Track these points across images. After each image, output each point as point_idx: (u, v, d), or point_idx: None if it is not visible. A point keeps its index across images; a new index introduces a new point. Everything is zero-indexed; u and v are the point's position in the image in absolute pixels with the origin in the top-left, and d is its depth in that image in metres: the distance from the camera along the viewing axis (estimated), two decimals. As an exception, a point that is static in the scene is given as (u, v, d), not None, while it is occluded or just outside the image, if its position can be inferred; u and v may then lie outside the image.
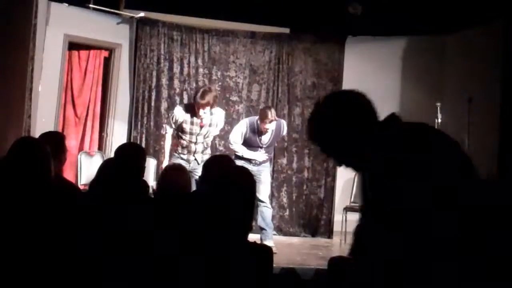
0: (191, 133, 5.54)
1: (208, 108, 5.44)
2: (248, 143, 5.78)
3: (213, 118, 5.60)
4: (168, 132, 5.72)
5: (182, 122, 5.49)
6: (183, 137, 5.56)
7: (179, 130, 5.58)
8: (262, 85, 7.48)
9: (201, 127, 5.54)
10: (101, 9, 6.95)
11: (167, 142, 5.75)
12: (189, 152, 5.57)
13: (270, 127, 5.72)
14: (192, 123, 5.50)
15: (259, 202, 5.74)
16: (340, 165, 2.05)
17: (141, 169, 3.52)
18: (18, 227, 2.53)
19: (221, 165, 3.05)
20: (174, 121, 5.58)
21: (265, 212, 5.80)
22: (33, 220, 2.57)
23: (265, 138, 5.80)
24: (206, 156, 5.62)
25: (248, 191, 2.47)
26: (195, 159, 5.58)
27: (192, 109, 5.50)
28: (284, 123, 6.11)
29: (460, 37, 6.80)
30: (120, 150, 3.51)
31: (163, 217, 2.78)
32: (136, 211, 2.79)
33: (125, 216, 2.72)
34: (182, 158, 5.55)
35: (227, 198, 2.41)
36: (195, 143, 5.57)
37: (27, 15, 5.50)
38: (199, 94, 5.41)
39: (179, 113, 5.54)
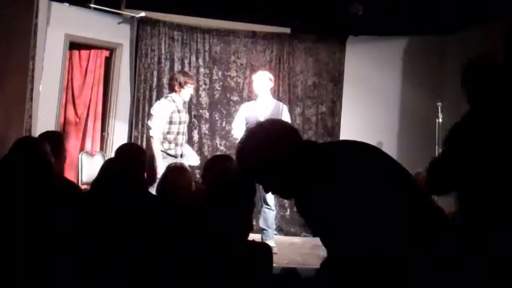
0: (180, 122, 5.49)
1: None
2: (248, 123, 5.33)
3: None
4: (156, 135, 5.37)
5: (172, 113, 5.44)
6: (172, 130, 5.44)
7: (168, 123, 5.42)
8: (263, 85, 7.48)
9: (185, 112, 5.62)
10: (102, 9, 6.96)
11: (157, 147, 5.34)
12: (176, 145, 5.47)
13: (259, 82, 5.64)
14: (179, 111, 5.49)
15: (263, 204, 5.70)
16: (267, 192, 2.20)
17: (142, 169, 3.51)
18: (18, 226, 2.53)
19: (221, 165, 3.05)
20: (163, 116, 5.40)
21: (268, 214, 5.70)
22: (33, 219, 2.58)
23: (262, 114, 5.49)
24: (185, 149, 5.65)
25: (248, 191, 2.48)
26: (182, 153, 5.53)
27: (175, 98, 5.53)
28: (284, 107, 5.79)
29: (460, 37, 6.80)
30: (121, 150, 3.51)
31: (164, 217, 2.78)
32: (136, 211, 2.79)
33: (125, 215, 2.73)
34: (170, 155, 5.40)
35: (227, 198, 2.42)
36: (182, 133, 5.54)
37: (28, 14, 5.50)
38: (186, 74, 5.74)
39: (168, 105, 5.47)
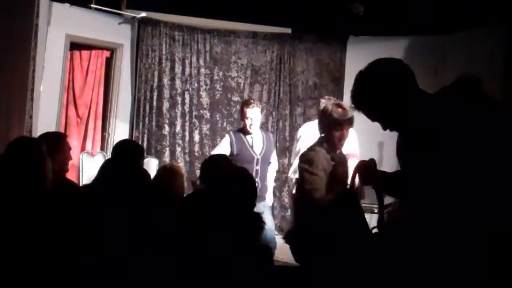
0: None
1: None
2: (241, 159, 4.63)
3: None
4: None
5: None
6: None
7: None
8: (264, 85, 7.49)
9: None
10: (103, 9, 6.97)
11: None
12: None
13: (254, 115, 4.71)
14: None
15: None
16: (385, 129, 2.21)
17: (139, 165, 3.49)
18: (17, 226, 2.53)
19: (219, 165, 3.05)
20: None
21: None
22: (33, 220, 2.58)
23: (257, 147, 4.74)
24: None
25: (247, 190, 2.48)
26: None
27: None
28: (271, 135, 5.33)
29: (461, 37, 6.79)
30: (117, 147, 3.51)
31: (164, 216, 2.79)
32: (136, 211, 2.79)
33: (125, 216, 2.73)
34: None
35: (226, 198, 2.42)
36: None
37: (28, 15, 5.50)
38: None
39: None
